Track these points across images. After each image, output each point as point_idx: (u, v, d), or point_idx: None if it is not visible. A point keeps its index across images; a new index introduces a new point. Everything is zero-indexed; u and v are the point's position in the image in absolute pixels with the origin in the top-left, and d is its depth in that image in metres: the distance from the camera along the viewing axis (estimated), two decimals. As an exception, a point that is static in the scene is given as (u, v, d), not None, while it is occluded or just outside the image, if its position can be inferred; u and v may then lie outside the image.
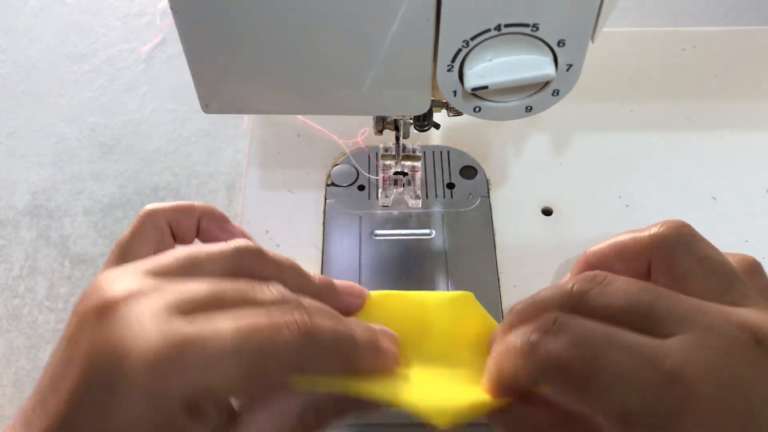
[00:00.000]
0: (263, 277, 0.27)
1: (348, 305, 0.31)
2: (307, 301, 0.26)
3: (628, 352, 0.23)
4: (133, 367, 0.22)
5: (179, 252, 0.27)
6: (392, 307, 0.37)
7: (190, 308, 0.24)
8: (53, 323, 0.45)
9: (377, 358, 0.28)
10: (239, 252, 0.27)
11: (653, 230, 0.28)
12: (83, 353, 0.23)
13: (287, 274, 0.28)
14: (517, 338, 0.26)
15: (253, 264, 0.28)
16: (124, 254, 0.30)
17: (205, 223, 0.32)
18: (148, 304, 0.23)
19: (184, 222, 0.31)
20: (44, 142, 0.55)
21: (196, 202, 0.32)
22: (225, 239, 0.29)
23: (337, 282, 0.30)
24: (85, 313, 0.24)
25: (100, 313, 0.23)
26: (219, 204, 0.51)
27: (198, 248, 0.27)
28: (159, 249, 0.31)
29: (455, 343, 0.37)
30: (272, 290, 0.26)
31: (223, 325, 0.23)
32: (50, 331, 0.45)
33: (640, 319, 0.24)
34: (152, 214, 0.31)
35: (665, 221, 0.28)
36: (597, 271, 0.26)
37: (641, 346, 0.23)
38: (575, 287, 0.26)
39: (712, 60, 0.50)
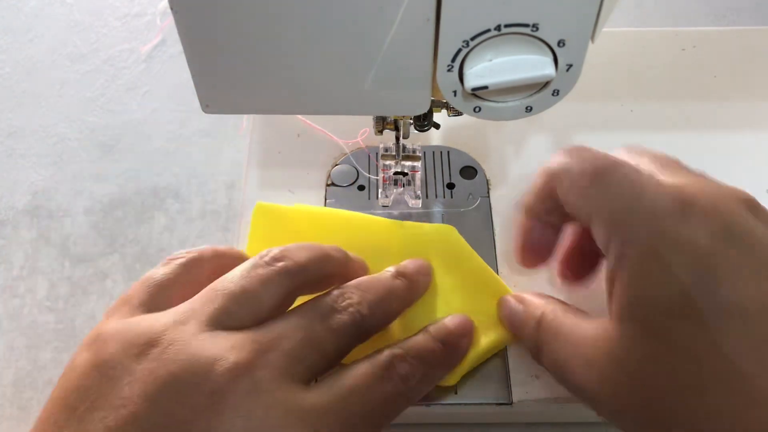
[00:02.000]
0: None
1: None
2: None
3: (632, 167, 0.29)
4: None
5: (232, 290, 0.29)
6: (374, 231, 0.38)
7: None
8: (53, 323, 0.45)
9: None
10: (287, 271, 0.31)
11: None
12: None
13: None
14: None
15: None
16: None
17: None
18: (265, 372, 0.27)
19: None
20: (44, 142, 0.55)
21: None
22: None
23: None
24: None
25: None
26: (219, 204, 0.51)
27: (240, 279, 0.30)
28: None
29: (441, 275, 0.37)
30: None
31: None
32: (50, 332, 0.45)
33: None
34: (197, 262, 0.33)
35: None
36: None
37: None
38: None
39: (712, 60, 0.50)
